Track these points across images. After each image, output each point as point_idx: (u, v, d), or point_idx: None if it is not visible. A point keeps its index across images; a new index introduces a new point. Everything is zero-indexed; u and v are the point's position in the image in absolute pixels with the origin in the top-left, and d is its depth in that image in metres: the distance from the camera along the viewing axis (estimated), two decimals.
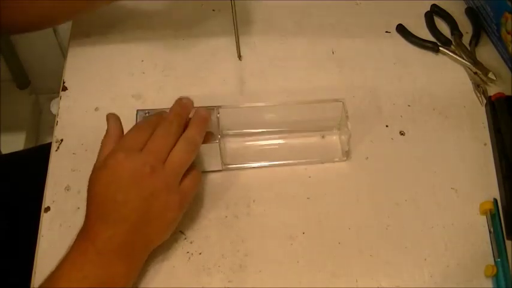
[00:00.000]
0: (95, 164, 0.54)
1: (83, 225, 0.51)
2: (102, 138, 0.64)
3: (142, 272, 0.54)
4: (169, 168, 0.52)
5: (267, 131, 0.64)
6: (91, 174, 0.53)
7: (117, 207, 0.50)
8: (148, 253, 0.53)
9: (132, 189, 0.50)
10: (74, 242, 0.51)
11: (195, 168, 0.55)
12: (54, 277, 0.48)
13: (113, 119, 0.57)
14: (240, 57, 0.61)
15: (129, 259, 0.51)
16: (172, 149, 0.53)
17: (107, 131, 0.56)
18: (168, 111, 0.57)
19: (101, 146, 0.55)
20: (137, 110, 0.61)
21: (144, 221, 0.51)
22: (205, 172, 0.62)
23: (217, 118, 0.59)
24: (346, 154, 0.63)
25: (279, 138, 0.65)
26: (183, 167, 0.53)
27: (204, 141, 0.57)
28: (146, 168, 0.51)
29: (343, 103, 0.61)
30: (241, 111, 0.63)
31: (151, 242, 0.53)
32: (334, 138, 0.65)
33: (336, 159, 0.63)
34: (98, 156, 0.55)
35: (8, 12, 0.61)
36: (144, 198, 0.50)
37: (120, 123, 0.57)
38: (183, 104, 0.57)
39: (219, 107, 0.60)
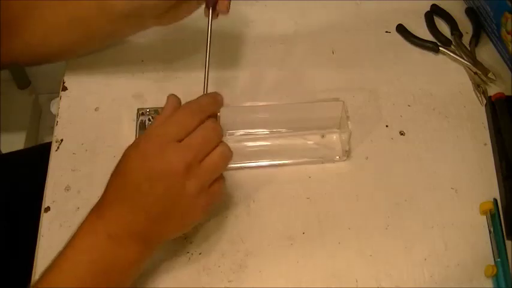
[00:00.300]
0: (145, 131, 0.51)
1: (98, 202, 0.50)
2: (102, 138, 0.64)
3: (142, 271, 0.54)
4: (203, 170, 0.50)
5: (267, 131, 0.65)
6: (127, 148, 0.50)
7: (140, 195, 0.48)
8: (160, 245, 0.52)
9: (161, 182, 0.48)
10: (86, 218, 0.49)
11: (222, 176, 0.53)
12: (61, 256, 0.47)
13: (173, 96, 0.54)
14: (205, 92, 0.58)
15: (140, 248, 0.49)
16: (211, 152, 0.50)
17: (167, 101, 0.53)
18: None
19: (162, 112, 0.52)
20: (138, 109, 0.61)
21: (165, 216, 0.49)
22: None
23: (218, 117, 0.59)
24: (347, 154, 0.63)
25: (279, 138, 0.65)
26: (218, 172, 0.51)
27: None
28: (181, 165, 0.48)
29: (343, 103, 0.61)
30: (242, 111, 0.63)
31: (166, 235, 0.52)
32: (334, 138, 0.65)
33: (336, 159, 0.63)
34: (150, 125, 0.52)
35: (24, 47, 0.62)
36: (170, 195, 0.48)
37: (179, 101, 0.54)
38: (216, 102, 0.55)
39: None
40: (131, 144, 0.51)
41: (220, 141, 0.51)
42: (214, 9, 0.57)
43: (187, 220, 0.52)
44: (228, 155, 0.52)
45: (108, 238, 0.48)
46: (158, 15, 0.60)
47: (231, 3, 0.58)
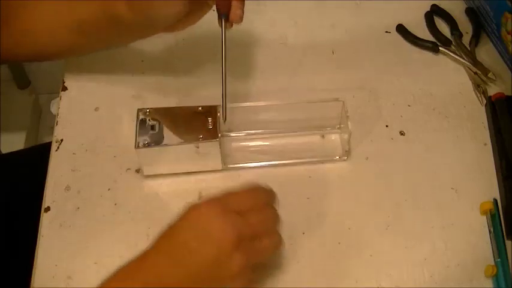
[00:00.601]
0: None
1: (145, 250, 0.48)
2: (102, 138, 0.64)
3: None
4: (253, 249, 0.49)
5: (267, 131, 0.65)
6: (189, 205, 0.49)
7: (186, 251, 0.47)
8: None
9: (209, 245, 0.47)
10: (127, 263, 0.48)
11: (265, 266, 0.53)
12: None
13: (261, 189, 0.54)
14: (225, 119, 0.58)
15: None
16: (265, 236, 0.50)
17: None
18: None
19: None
20: (138, 109, 0.61)
21: (203, 278, 0.47)
22: (205, 172, 0.62)
23: (218, 117, 0.59)
24: (347, 153, 0.63)
25: (279, 138, 0.65)
26: (264, 257, 0.51)
27: (204, 139, 0.57)
28: (234, 235, 0.47)
29: (343, 103, 0.61)
30: (242, 111, 0.63)
31: None
32: (334, 138, 0.65)
33: (336, 159, 0.63)
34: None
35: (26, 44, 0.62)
36: (214, 259, 0.47)
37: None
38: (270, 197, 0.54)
39: (219, 106, 0.60)
40: (193, 204, 0.49)
41: (275, 231, 0.52)
42: (227, 20, 0.57)
43: (218, 286, 0.48)
44: (279, 246, 0.52)
45: (143, 285, 0.46)
46: (168, 25, 0.60)
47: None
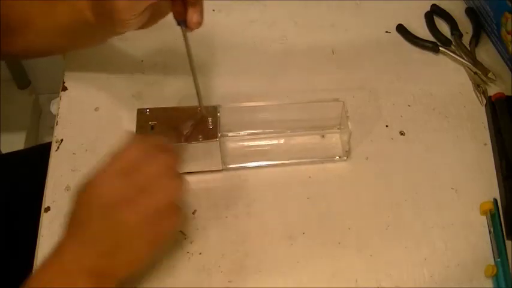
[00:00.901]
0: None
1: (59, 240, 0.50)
2: (102, 138, 0.64)
3: (142, 271, 0.54)
4: (148, 203, 0.49)
5: (267, 131, 0.65)
6: (79, 186, 0.50)
7: (87, 228, 0.48)
8: (116, 283, 0.50)
9: (98, 215, 0.48)
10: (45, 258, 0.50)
11: (176, 213, 0.52)
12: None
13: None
14: (201, 112, 0.58)
15: (94, 283, 0.48)
16: (158, 185, 0.49)
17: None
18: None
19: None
20: (138, 109, 0.61)
21: (113, 248, 0.48)
22: (205, 172, 0.62)
23: (218, 117, 0.60)
24: (347, 153, 0.63)
25: (279, 138, 0.65)
26: (158, 205, 0.49)
27: (204, 139, 0.57)
28: (126, 197, 0.48)
29: (343, 103, 0.61)
30: (241, 111, 0.63)
31: (118, 271, 0.50)
32: (334, 138, 0.65)
33: (336, 159, 0.63)
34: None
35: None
36: (115, 225, 0.48)
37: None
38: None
39: (219, 106, 0.60)
40: (86, 179, 0.50)
41: (169, 177, 0.50)
42: (185, 26, 0.56)
43: (135, 253, 0.49)
44: (177, 191, 0.51)
45: (63, 274, 0.48)
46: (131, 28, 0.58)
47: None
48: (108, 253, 0.48)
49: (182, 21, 0.55)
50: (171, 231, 0.53)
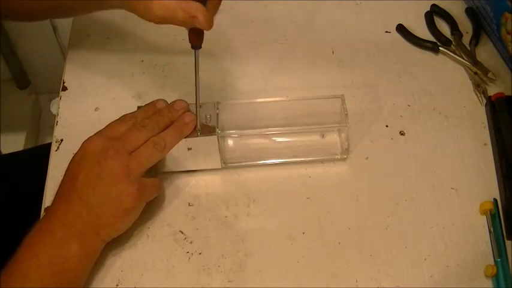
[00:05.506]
0: None
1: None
2: None
3: (142, 271, 0.54)
4: (132, 159, 0.54)
5: (266, 129, 0.64)
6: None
7: (75, 184, 0.52)
8: (101, 241, 0.53)
9: (93, 168, 0.52)
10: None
11: (158, 177, 0.58)
12: (11, 260, 0.51)
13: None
14: (199, 131, 0.59)
15: (80, 239, 0.51)
16: (141, 145, 0.55)
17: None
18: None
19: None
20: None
21: (98, 201, 0.52)
22: (205, 172, 0.62)
23: (217, 114, 0.60)
24: (346, 152, 0.63)
25: (279, 136, 0.65)
26: (146, 163, 0.55)
27: (203, 134, 0.58)
28: (110, 151, 0.53)
29: (342, 99, 0.61)
30: (241, 107, 0.63)
31: (103, 227, 0.52)
32: (333, 136, 0.65)
33: (336, 157, 0.63)
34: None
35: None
36: (101, 177, 0.52)
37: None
38: (171, 108, 0.59)
39: (218, 102, 0.61)
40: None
41: (152, 136, 0.56)
42: (199, 50, 0.57)
43: (120, 206, 0.52)
44: (156, 149, 0.55)
45: (51, 234, 0.50)
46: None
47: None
48: (94, 206, 0.51)
49: (197, 46, 0.56)
50: (155, 192, 0.57)
